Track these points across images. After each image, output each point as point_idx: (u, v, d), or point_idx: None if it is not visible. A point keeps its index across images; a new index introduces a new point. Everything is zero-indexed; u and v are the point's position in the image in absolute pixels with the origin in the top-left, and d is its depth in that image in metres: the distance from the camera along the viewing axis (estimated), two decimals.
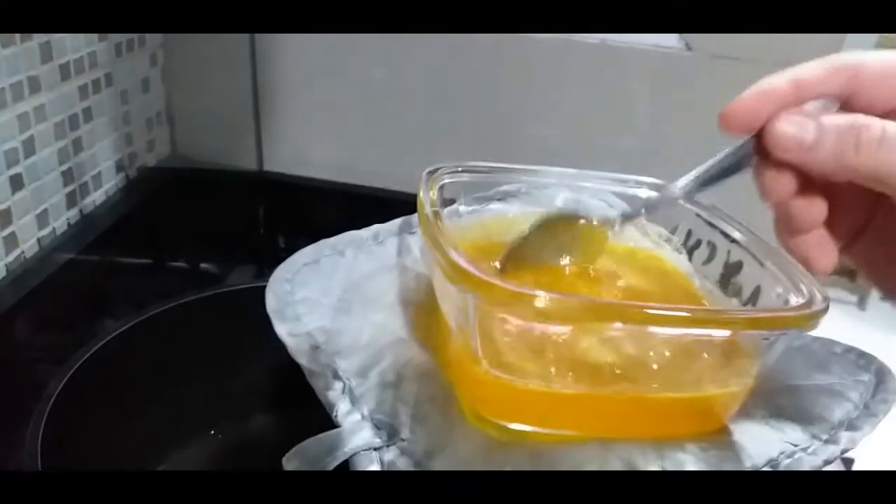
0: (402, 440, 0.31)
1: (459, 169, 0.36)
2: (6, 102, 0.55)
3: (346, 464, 0.30)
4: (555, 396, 0.30)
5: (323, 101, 0.76)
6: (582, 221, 0.36)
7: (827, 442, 0.31)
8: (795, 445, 0.31)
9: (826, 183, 0.30)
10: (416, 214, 0.34)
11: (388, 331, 0.35)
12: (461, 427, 0.31)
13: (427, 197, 0.33)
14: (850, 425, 0.32)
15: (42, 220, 0.61)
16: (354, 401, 0.32)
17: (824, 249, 0.31)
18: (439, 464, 0.30)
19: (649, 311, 0.27)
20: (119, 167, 0.71)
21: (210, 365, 0.48)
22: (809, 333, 0.32)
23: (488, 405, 0.31)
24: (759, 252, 0.34)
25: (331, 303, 0.37)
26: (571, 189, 0.38)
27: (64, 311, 0.58)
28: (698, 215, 0.37)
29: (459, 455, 0.30)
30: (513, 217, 0.38)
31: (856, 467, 0.47)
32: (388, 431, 0.31)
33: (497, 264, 0.35)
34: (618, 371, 0.30)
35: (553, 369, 0.30)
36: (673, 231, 0.38)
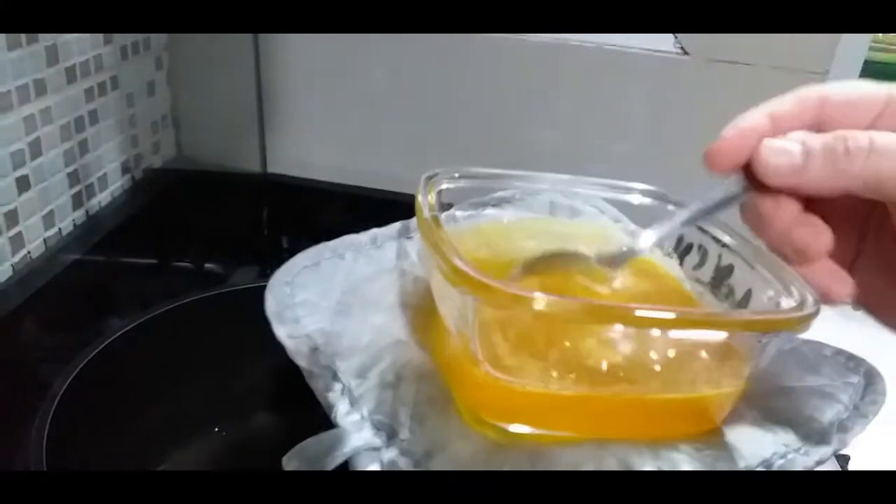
0: (402, 440, 0.31)
1: (457, 174, 0.37)
2: (13, 105, 0.55)
3: (346, 464, 0.30)
4: (553, 398, 0.30)
5: (326, 104, 0.76)
6: (582, 258, 0.35)
7: (819, 443, 0.31)
8: (788, 446, 0.31)
9: (824, 210, 0.30)
10: (414, 219, 0.34)
11: (387, 333, 0.35)
12: (460, 427, 0.31)
13: (426, 201, 0.33)
14: (841, 426, 0.32)
15: (48, 220, 0.61)
16: (354, 401, 0.32)
17: (837, 277, 0.31)
18: (439, 464, 0.30)
19: (648, 313, 0.27)
20: (125, 169, 0.72)
21: (213, 364, 0.49)
22: (800, 336, 0.32)
23: (487, 408, 0.31)
24: (749, 255, 0.34)
25: (330, 305, 0.37)
26: (565, 195, 0.39)
27: (69, 310, 0.59)
28: None
29: (459, 455, 0.30)
30: (508, 222, 0.38)
31: (852, 465, 0.47)
32: (388, 432, 0.31)
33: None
34: (618, 373, 0.30)
35: (554, 372, 0.30)
36: None
